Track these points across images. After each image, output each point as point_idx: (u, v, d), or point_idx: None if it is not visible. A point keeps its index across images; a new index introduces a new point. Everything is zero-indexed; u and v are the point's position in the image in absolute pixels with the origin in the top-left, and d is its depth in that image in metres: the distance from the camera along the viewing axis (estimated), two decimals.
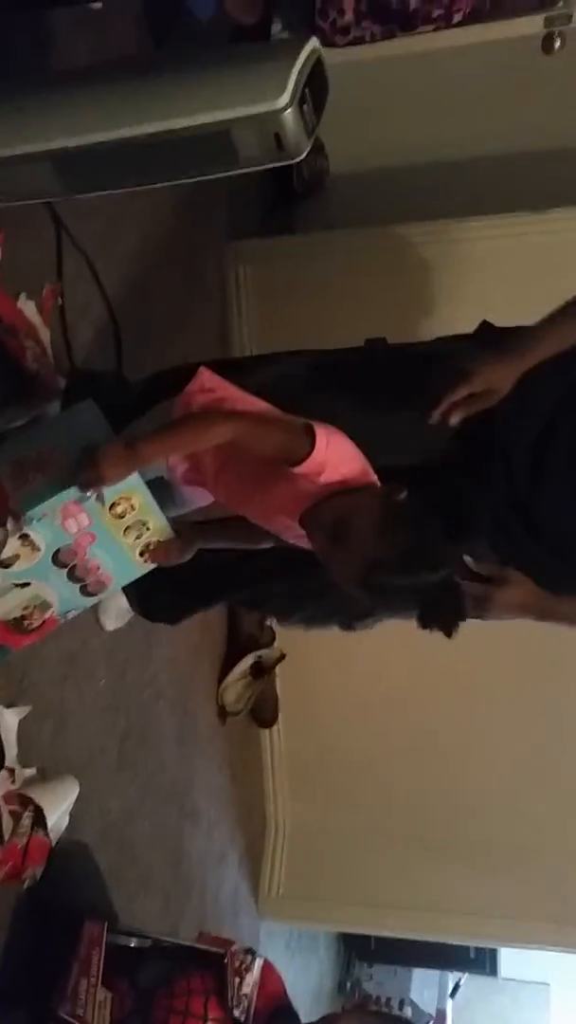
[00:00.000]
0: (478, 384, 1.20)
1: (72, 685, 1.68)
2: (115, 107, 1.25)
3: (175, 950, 1.53)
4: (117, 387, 1.64)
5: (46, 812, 1.41)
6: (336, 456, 1.11)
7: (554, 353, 1.24)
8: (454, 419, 1.23)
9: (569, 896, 2.72)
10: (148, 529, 1.18)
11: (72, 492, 1.07)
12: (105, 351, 1.76)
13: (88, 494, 1.08)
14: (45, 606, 1.18)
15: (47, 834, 1.41)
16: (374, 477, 1.16)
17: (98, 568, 1.18)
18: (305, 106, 1.26)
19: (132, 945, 1.50)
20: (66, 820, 1.48)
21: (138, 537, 1.18)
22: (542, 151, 2.75)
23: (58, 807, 1.45)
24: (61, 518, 1.09)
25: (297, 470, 1.10)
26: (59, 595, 1.18)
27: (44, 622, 1.21)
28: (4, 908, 1.40)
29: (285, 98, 1.22)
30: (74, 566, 1.16)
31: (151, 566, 1.23)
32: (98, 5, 1.55)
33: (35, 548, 1.10)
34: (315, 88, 1.30)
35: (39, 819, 1.40)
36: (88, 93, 1.28)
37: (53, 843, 1.42)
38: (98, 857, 1.67)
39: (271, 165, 1.31)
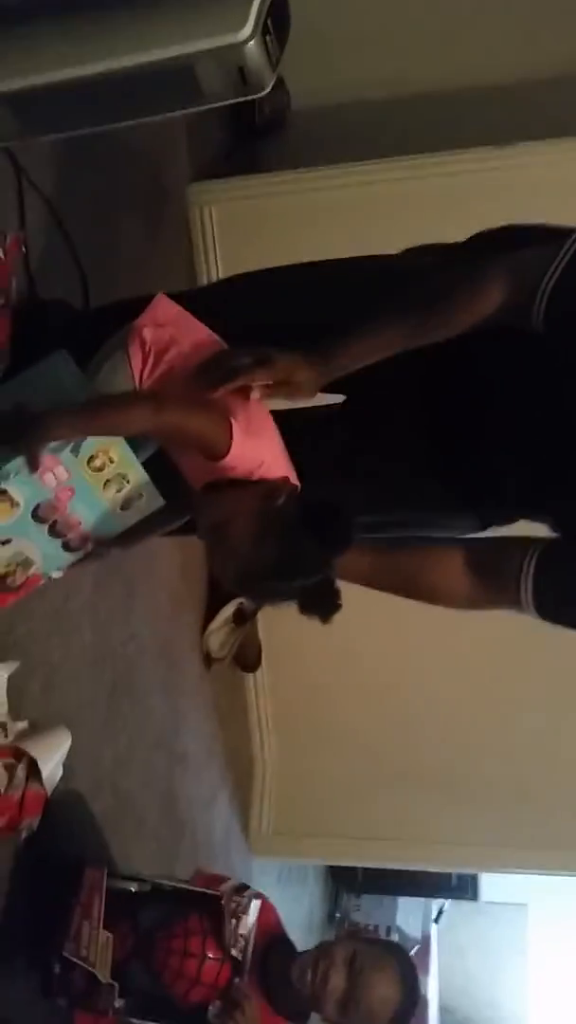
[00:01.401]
0: (277, 373, 1.11)
1: (58, 640, 1.69)
2: (72, 45, 1.20)
3: (173, 893, 1.56)
4: (64, 313, 1.61)
5: (40, 763, 1.41)
6: (249, 457, 1.10)
7: (371, 361, 1.15)
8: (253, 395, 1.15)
9: (544, 821, 2.82)
10: (128, 482, 1.16)
11: (49, 446, 1.05)
12: (72, 298, 1.72)
13: (65, 445, 1.06)
14: (28, 563, 1.17)
15: (42, 785, 1.42)
16: (282, 472, 1.15)
17: (79, 523, 1.16)
18: (268, 37, 1.22)
19: (132, 890, 1.54)
20: (60, 771, 1.49)
21: (119, 491, 1.16)
22: (508, 84, 2.70)
23: (51, 758, 1.46)
24: (39, 472, 1.07)
25: (208, 462, 1.10)
26: (41, 551, 1.16)
27: (27, 580, 1.19)
28: (4, 859, 1.42)
29: (247, 30, 1.18)
30: (55, 521, 1.14)
31: (132, 520, 1.21)
32: None
33: (14, 504, 1.08)
34: (277, 18, 1.26)
35: (33, 770, 1.41)
36: (43, 31, 1.23)
37: (48, 793, 1.43)
38: (93, 805, 1.70)
39: (235, 100, 1.27)
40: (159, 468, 1.18)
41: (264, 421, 1.17)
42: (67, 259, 1.73)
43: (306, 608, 1.09)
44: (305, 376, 1.13)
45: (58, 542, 1.17)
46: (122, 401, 1.12)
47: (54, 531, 1.15)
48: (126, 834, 1.94)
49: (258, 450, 1.12)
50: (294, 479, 1.16)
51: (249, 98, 1.27)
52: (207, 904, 1.51)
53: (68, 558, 1.20)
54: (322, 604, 1.09)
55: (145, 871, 1.69)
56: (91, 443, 1.08)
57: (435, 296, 1.15)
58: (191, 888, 1.57)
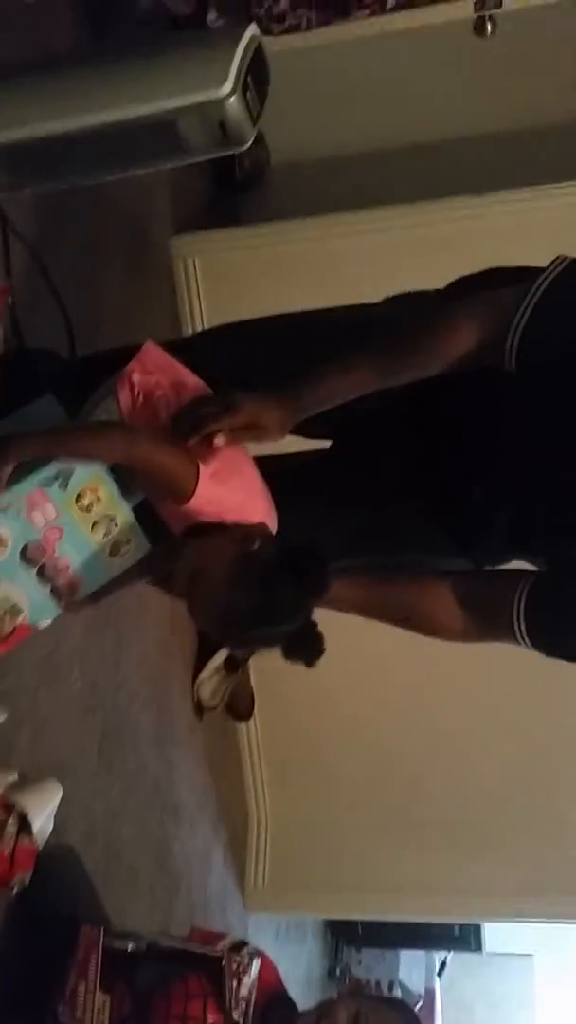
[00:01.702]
0: (241, 418, 1.10)
1: (46, 690, 1.66)
2: (58, 100, 1.24)
3: (171, 952, 1.52)
4: (51, 363, 1.62)
5: (30, 817, 1.38)
6: (216, 501, 1.10)
7: (341, 401, 1.15)
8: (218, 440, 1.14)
9: (546, 867, 2.78)
10: (116, 525, 1.16)
11: (36, 478, 1.05)
12: (58, 348, 1.74)
13: (52, 475, 1.06)
14: (16, 611, 1.15)
15: (33, 839, 1.39)
16: (262, 514, 1.15)
17: (68, 568, 1.15)
18: (248, 93, 1.26)
19: (128, 948, 1.49)
20: (51, 824, 1.46)
21: (106, 534, 1.16)
22: (480, 135, 2.78)
23: (42, 811, 1.43)
24: (27, 509, 1.07)
25: (175, 503, 1.11)
26: (29, 599, 1.15)
27: (16, 629, 1.18)
28: None
29: (228, 86, 1.22)
30: (43, 565, 1.13)
31: (120, 568, 1.20)
32: None
33: (2, 543, 1.08)
34: (257, 74, 1.30)
35: (24, 825, 1.38)
36: (29, 86, 1.26)
37: (39, 848, 1.40)
38: (85, 859, 1.66)
39: (217, 154, 1.31)
40: (144, 518, 1.18)
41: (241, 466, 1.17)
42: (53, 309, 1.75)
43: (290, 654, 1.08)
44: (271, 417, 1.13)
45: (47, 589, 1.16)
46: (95, 428, 1.13)
47: (42, 575, 1.14)
48: (119, 888, 1.89)
49: (228, 496, 1.12)
50: (272, 524, 1.16)
51: (230, 152, 1.30)
52: (207, 964, 1.46)
53: (56, 608, 1.19)
54: (305, 649, 1.08)
55: (140, 926, 1.64)
56: (79, 480, 1.08)
57: (406, 335, 1.16)
58: (188, 948, 1.53)
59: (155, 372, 1.19)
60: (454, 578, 1.23)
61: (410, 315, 1.29)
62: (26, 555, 1.10)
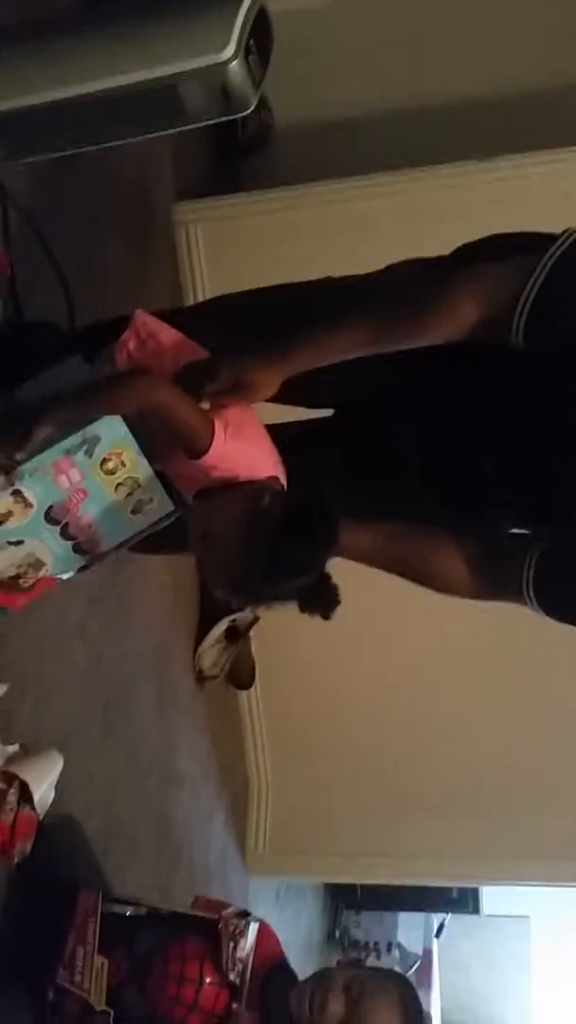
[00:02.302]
0: (222, 381, 1.10)
1: (49, 660, 1.67)
2: (56, 67, 1.22)
3: (170, 917, 1.55)
4: (51, 335, 1.61)
5: (32, 787, 1.40)
6: (230, 457, 1.11)
7: (333, 360, 1.13)
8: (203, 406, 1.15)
9: (545, 831, 2.81)
10: (139, 486, 1.16)
11: (63, 446, 1.05)
12: (58, 317, 1.72)
13: (79, 443, 1.06)
14: (39, 565, 1.17)
15: (34, 809, 1.40)
16: (272, 469, 1.15)
17: (90, 525, 1.16)
18: (251, 56, 1.24)
19: (127, 913, 1.52)
20: (52, 794, 1.47)
21: (129, 494, 1.16)
22: (490, 97, 2.72)
23: (43, 781, 1.44)
24: (53, 474, 1.07)
25: (190, 458, 1.10)
26: (52, 553, 1.17)
27: (39, 581, 1.19)
28: None
29: (230, 49, 1.20)
30: (67, 524, 1.14)
31: (142, 525, 1.20)
32: None
33: (27, 504, 1.09)
34: (259, 38, 1.27)
35: (25, 794, 1.39)
36: (27, 53, 1.24)
37: (41, 817, 1.41)
38: (86, 828, 1.68)
39: (219, 119, 1.29)
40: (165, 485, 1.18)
41: (249, 423, 1.17)
42: (53, 281, 1.73)
43: (306, 607, 1.08)
44: (256, 376, 1.12)
45: (69, 544, 1.17)
46: (118, 378, 1.12)
47: (66, 533, 1.15)
48: (120, 856, 1.92)
49: (242, 452, 1.13)
50: (283, 479, 1.16)
51: (233, 117, 1.28)
52: (204, 928, 1.49)
53: (78, 561, 1.20)
54: (321, 601, 1.09)
55: (141, 894, 1.67)
56: (105, 445, 1.08)
57: (406, 299, 1.14)
58: (187, 912, 1.56)
59: (149, 339, 1.19)
60: (464, 538, 1.22)
61: (412, 280, 1.27)
62: (50, 515, 1.12)
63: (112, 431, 1.08)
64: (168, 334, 1.20)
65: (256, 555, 1.06)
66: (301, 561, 1.08)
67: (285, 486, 1.16)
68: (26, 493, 1.07)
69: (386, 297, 1.18)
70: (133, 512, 1.18)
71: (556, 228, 1.23)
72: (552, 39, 2.61)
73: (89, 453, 1.07)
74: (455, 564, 1.21)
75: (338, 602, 1.09)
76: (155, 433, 1.12)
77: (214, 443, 1.08)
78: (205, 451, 1.09)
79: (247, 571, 1.07)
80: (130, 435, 1.10)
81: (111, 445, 1.08)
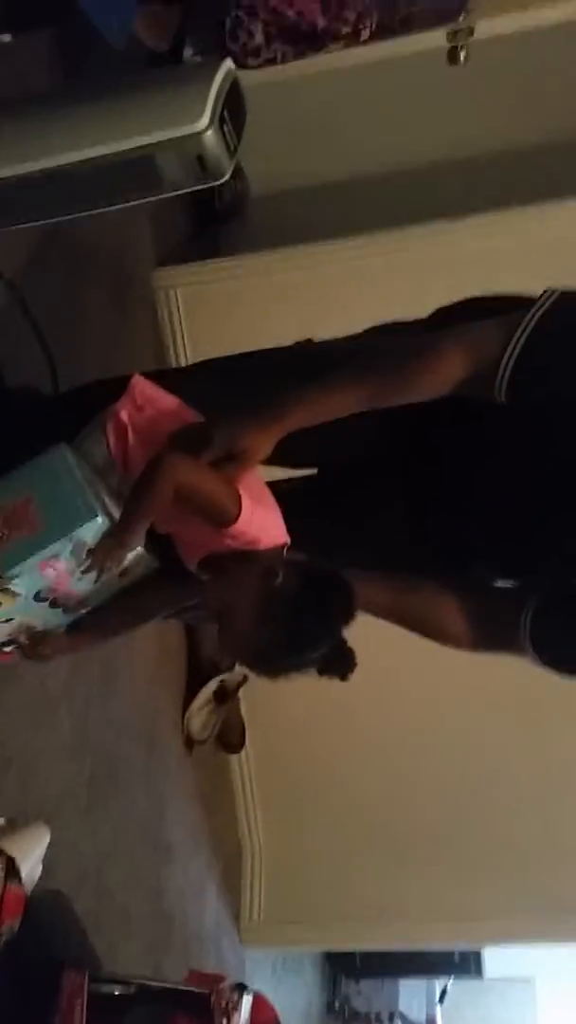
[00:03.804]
0: (218, 449, 1.10)
1: (33, 730, 1.64)
2: (35, 138, 1.24)
3: (160, 994, 1.49)
4: (33, 400, 1.62)
5: (19, 862, 1.36)
6: (256, 524, 1.12)
7: (320, 421, 1.14)
8: None
9: (544, 889, 2.75)
10: (126, 560, 1.17)
11: (50, 551, 1.06)
12: (41, 383, 1.73)
13: (68, 550, 1.07)
14: (30, 628, 1.19)
15: (21, 885, 1.36)
16: (283, 537, 1.16)
17: (78, 595, 1.17)
18: (225, 126, 1.27)
19: (116, 993, 1.46)
20: (39, 868, 1.43)
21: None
22: (456, 160, 2.82)
23: (30, 856, 1.40)
24: (40, 570, 1.08)
25: (218, 530, 1.11)
26: (43, 619, 1.18)
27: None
28: None
29: (205, 119, 1.23)
30: (55, 599, 1.15)
31: (128, 582, 1.21)
32: (7, 39, 1.53)
33: (15, 595, 1.10)
34: (233, 108, 1.31)
35: (12, 870, 1.35)
36: (5, 125, 1.26)
37: (28, 893, 1.37)
38: (75, 903, 1.63)
39: (196, 187, 1.31)
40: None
41: (260, 490, 1.18)
42: (34, 346, 1.75)
43: (324, 672, 1.10)
44: (250, 441, 1.12)
45: (59, 610, 1.18)
46: (146, 481, 1.10)
47: (55, 604, 1.16)
48: (112, 932, 1.85)
49: (264, 515, 1.13)
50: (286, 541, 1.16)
51: (209, 185, 1.31)
52: (196, 1004, 1.43)
53: (68, 619, 1.22)
54: (340, 665, 1.10)
55: (133, 969, 1.61)
56: (90, 543, 1.09)
57: (395, 359, 1.16)
58: (178, 987, 1.50)
59: (146, 406, 1.18)
60: (462, 592, 1.24)
61: (397, 343, 1.29)
62: (39, 596, 1.13)
63: (98, 531, 1.08)
64: (167, 400, 1.20)
65: (274, 633, 1.07)
66: (319, 634, 1.09)
67: (293, 559, 1.16)
68: (13, 588, 1.08)
69: (375, 356, 1.20)
70: (120, 576, 1.18)
71: (525, 282, 1.26)
72: (516, 104, 2.71)
73: (75, 554, 1.08)
74: (456, 617, 1.22)
75: (355, 664, 1.10)
76: (180, 508, 1.11)
77: (242, 513, 1.09)
78: (234, 521, 1.09)
79: (268, 646, 1.09)
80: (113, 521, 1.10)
81: (96, 537, 1.09)
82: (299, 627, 1.08)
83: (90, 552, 1.09)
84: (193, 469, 1.08)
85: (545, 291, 1.10)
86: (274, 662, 1.11)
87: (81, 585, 1.14)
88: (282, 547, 1.16)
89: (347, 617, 1.10)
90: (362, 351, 1.30)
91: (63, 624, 1.22)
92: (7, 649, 1.20)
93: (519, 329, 1.06)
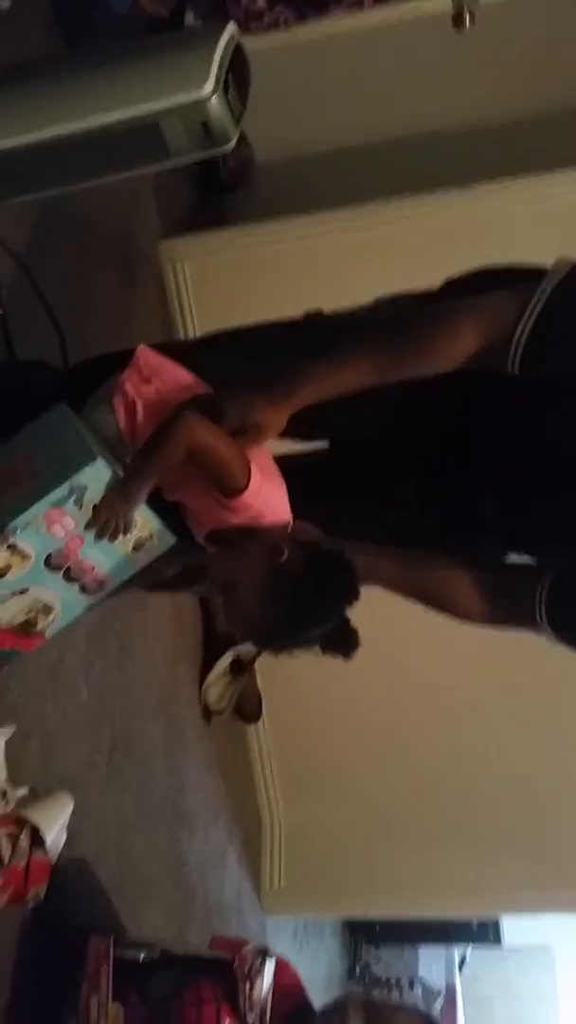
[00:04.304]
0: (232, 422, 1.10)
1: (53, 701, 1.66)
2: (38, 108, 1.23)
3: (184, 959, 1.51)
4: (44, 374, 1.62)
5: (43, 831, 1.38)
6: (262, 498, 1.11)
7: (340, 393, 1.14)
8: None
9: (562, 858, 2.76)
10: (136, 524, 1.16)
11: (51, 498, 1.06)
12: (50, 358, 1.73)
13: (66, 494, 1.06)
14: (47, 609, 1.18)
15: (46, 853, 1.38)
16: (288, 514, 1.16)
17: (93, 568, 1.16)
18: (230, 93, 1.26)
19: (141, 957, 1.48)
20: (63, 837, 1.45)
21: (126, 533, 1.16)
22: (463, 127, 2.77)
23: (54, 824, 1.42)
24: (46, 525, 1.08)
25: (225, 498, 1.10)
26: (59, 596, 1.17)
27: (50, 623, 1.19)
28: (10, 932, 1.37)
29: (209, 86, 1.21)
30: (68, 568, 1.14)
31: (145, 560, 1.20)
32: (6, 5, 1.52)
33: (25, 556, 1.09)
34: (237, 74, 1.29)
35: (37, 838, 1.37)
36: (7, 96, 1.25)
37: (53, 861, 1.39)
38: (98, 871, 1.66)
39: (201, 155, 1.30)
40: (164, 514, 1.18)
41: (268, 465, 1.18)
42: (43, 320, 1.74)
43: (327, 650, 1.11)
44: (263, 415, 1.12)
45: (75, 586, 1.17)
46: (160, 435, 1.10)
47: (69, 576, 1.15)
48: (135, 899, 1.88)
49: (269, 492, 1.13)
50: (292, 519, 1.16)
51: (214, 153, 1.30)
52: (219, 969, 1.46)
53: (86, 601, 1.21)
54: (343, 644, 1.11)
55: (157, 936, 1.64)
56: (93, 493, 1.08)
57: (406, 332, 1.15)
58: (201, 954, 1.52)
59: (152, 377, 1.18)
60: (476, 567, 1.24)
61: (410, 312, 1.28)
62: (50, 562, 1.12)
63: (98, 478, 1.08)
64: (173, 369, 1.20)
65: (278, 611, 1.09)
66: (323, 613, 1.10)
67: (293, 526, 1.16)
68: (21, 546, 1.08)
69: (387, 328, 1.19)
70: (134, 549, 1.18)
71: (535, 251, 1.25)
72: (525, 70, 2.66)
73: (79, 503, 1.08)
74: (471, 592, 1.23)
75: (358, 644, 1.11)
76: (189, 473, 1.12)
77: (251, 484, 1.09)
78: (243, 490, 1.09)
79: (272, 623, 1.10)
80: (118, 477, 1.10)
81: (99, 491, 1.09)
82: (302, 605, 1.09)
83: (96, 509, 1.08)
84: (209, 430, 1.08)
85: (557, 262, 1.09)
86: (277, 639, 1.13)
87: (93, 553, 1.13)
88: (287, 525, 1.15)
89: (350, 597, 1.11)
90: (373, 324, 1.30)
91: (83, 607, 1.20)
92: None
93: (532, 301, 1.05)
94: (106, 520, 1.10)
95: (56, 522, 1.08)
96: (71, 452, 1.09)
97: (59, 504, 1.07)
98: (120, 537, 1.14)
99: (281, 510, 1.16)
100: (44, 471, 1.08)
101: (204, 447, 1.08)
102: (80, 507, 1.08)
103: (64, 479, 1.06)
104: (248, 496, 1.09)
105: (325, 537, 1.17)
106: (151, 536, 1.17)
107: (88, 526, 1.10)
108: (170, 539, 1.19)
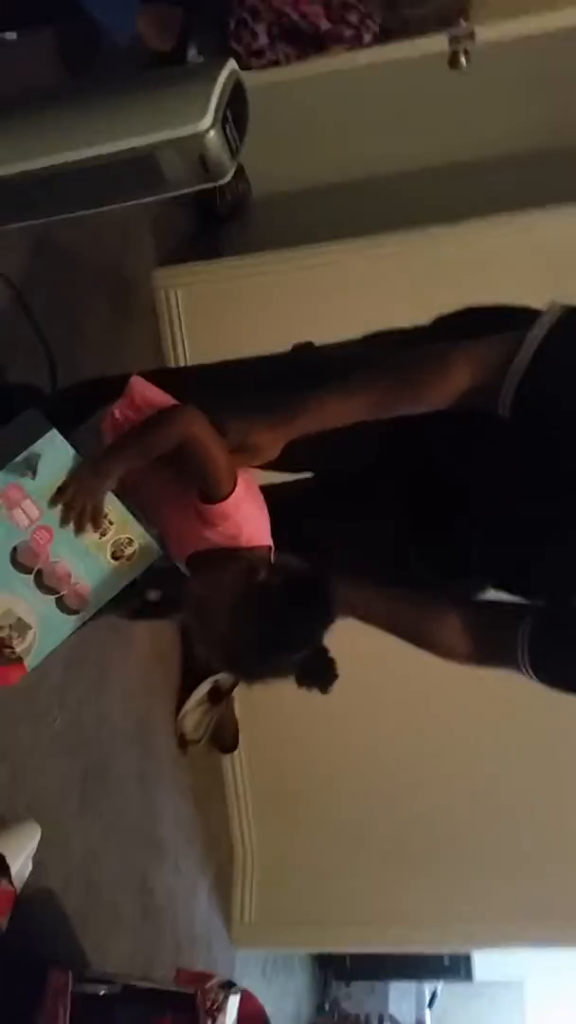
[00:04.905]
0: (231, 441, 1.11)
1: (26, 727, 1.64)
2: (38, 137, 1.24)
3: (147, 993, 1.49)
4: (33, 398, 1.61)
5: (8, 860, 1.36)
6: (241, 515, 1.11)
7: (334, 425, 1.15)
8: None
9: (534, 893, 2.75)
10: (110, 523, 1.11)
11: (8, 470, 1.02)
12: (40, 383, 1.73)
13: (22, 462, 1.04)
14: (23, 627, 1.10)
15: (11, 882, 1.35)
16: (268, 539, 1.15)
17: (69, 576, 1.10)
18: (228, 126, 1.27)
19: (101, 993, 1.45)
20: (29, 866, 1.43)
21: (103, 534, 1.10)
22: (455, 164, 2.81)
23: (20, 853, 1.40)
24: (5, 507, 1.04)
25: (206, 504, 1.09)
26: (37, 613, 1.10)
27: (28, 648, 1.11)
28: None
29: (208, 119, 1.23)
30: (40, 571, 1.09)
31: (130, 575, 1.15)
32: (12, 36, 1.53)
33: None
34: (236, 108, 1.31)
35: (1, 868, 1.35)
36: (9, 124, 1.26)
37: (17, 891, 1.37)
38: (65, 901, 1.63)
39: (198, 187, 1.31)
40: None
41: (253, 489, 1.18)
42: (35, 346, 1.74)
43: (303, 682, 1.08)
44: (261, 438, 1.13)
45: (51, 600, 1.11)
46: (162, 416, 1.11)
47: (41, 584, 1.09)
48: (101, 930, 1.85)
49: (251, 511, 1.13)
50: (273, 547, 1.16)
51: (211, 185, 1.31)
52: (183, 1003, 1.43)
53: (67, 622, 1.13)
54: (319, 676, 1.09)
55: (123, 968, 1.61)
56: (50, 470, 1.05)
57: (405, 369, 1.16)
58: (164, 987, 1.50)
59: (145, 408, 1.17)
60: (459, 605, 1.24)
61: (405, 353, 1.29)
62: (17, 560, 1.07)
63: (57, 454, 1.05)
64: (166, 400, 1.19)
65: (251, 631, 1.06)
66: (297, 636, 1.08)
67: (274, 555, 1.15)
68: None
69: (383, 364, 1.20)
70: (114, 557, 1.13)
71: (525, 285, 1.26)
72: (518, 108, 2.71)
73: (33, 474, 1.04)
74: (455, 631, 1.22)
75: (335, 676, 1.09)
76: (170, 483, 1.11)
77: (236, 490, 1.08)
78: (225, 496, 1.08)
79: (242, 647, 1.07)
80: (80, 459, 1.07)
81: (59, 468, 1.05)
82: (275, 626, 1.06)
83: (60, 491, 1.06)
84: (207, 428, 1.08)
85: (549, 306, 1.10)
86: (248, 663, 1.10)
87: (66, 554, 1.08)
88: (266, 549, 1.15)
89: (325, 620, 1.09)
90: (370, 359, 1.31)
91: (65, 630, 1.14)
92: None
93: (525, 345, 1.06)
94: (73, 496, 1.06)
95: (16, 505, 1.04)
96: (28, 428, 1.06)
97: (15, 474, 1.03)
98: (90, 529, 1.09)
99: (261, 534, 1.15)
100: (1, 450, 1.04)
101: (199, 442, 1.07)
102: (35, 479, 1.04)
103: (20, 449, 1.03)
104: (229, 505, 1.09)
105: (306, 566, 1.15)
106: (131, 543, 1.13)
107: (52, 502, 1.05)
108: (156, 550, 1.15)
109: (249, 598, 1.07)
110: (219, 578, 1.10)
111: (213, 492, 1.09)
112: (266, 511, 1.19)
